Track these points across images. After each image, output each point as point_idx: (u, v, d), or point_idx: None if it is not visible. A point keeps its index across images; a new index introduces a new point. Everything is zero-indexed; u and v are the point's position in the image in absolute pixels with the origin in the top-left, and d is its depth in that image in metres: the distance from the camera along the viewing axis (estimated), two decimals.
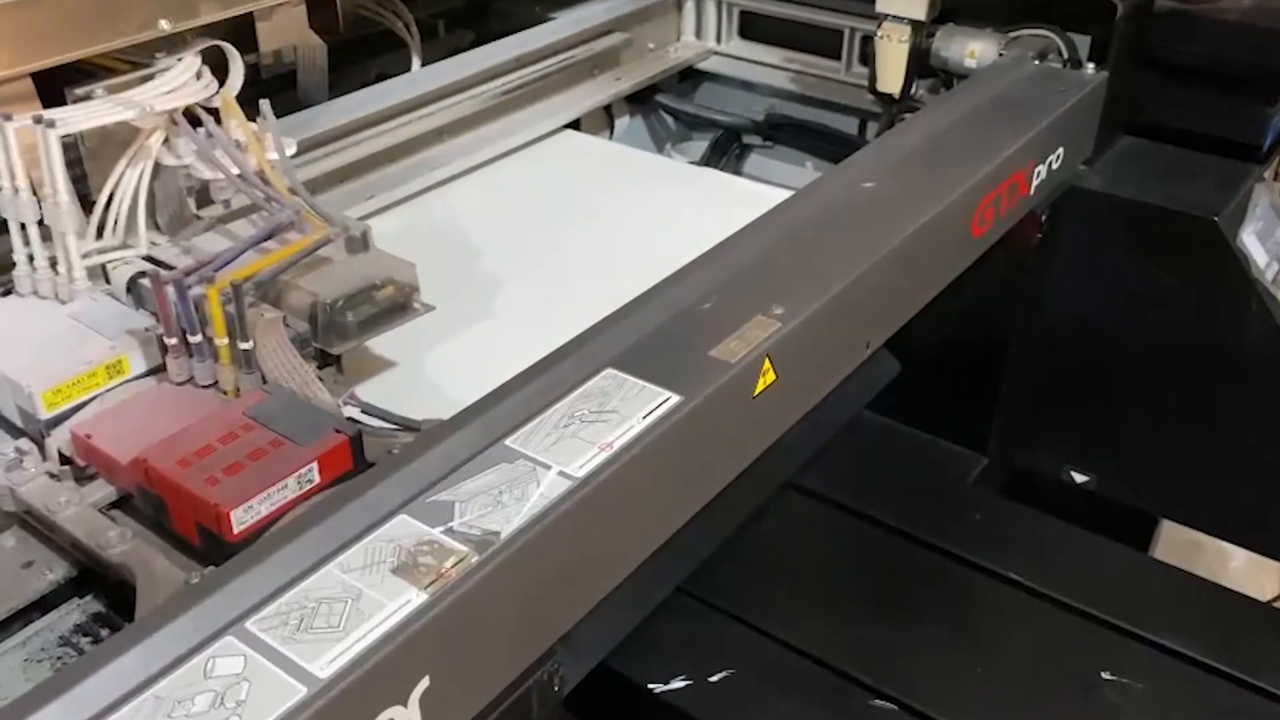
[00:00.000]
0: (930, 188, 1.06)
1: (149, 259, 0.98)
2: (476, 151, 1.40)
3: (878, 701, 1.02)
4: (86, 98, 0.97)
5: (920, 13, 1.39)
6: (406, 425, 0.85)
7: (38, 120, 0.89)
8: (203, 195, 1.06)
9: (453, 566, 0.64)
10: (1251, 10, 1.40)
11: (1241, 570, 1.86)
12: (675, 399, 0.78)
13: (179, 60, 1.02)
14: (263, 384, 0.84)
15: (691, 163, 1.76)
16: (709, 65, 1.72)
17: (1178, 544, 1.74)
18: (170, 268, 0.99)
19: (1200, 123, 1.42)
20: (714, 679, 1.03)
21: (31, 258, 0.95)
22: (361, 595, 0.62)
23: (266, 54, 1.35)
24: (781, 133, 1.72)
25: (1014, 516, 1.27)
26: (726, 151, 1.75)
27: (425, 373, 1.02)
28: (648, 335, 0.85)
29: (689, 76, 1.74)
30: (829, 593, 1.16)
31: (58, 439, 0.83)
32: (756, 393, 0.85)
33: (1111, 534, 1.51)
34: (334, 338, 0.89)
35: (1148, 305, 1.36)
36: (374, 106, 1.31)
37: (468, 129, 1.43)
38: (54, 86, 0.98)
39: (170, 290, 0.82)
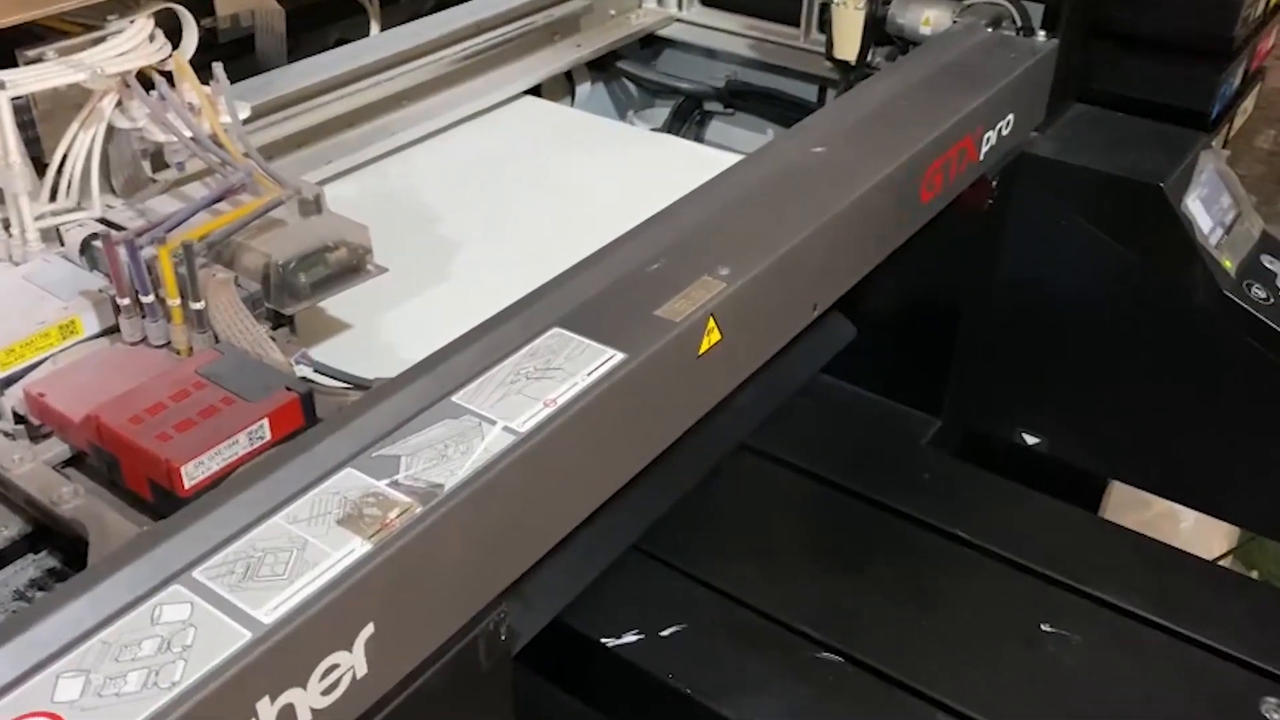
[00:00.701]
0: (879, 152, 1.08)
1: (103, 221, 0.98)
2: (435, 117, 1.41)
3: (825, 654, 1.04)
4: (37, 60, 0.97)
5: None
6: (357, 384, 0.86)
7: None
8: (157, 159, 1.07)
9: (396, 517, 0.66)
10: None
11: (1191, 531, 1.91)
12: (619, 356, 0.80)
13: (131, 22, 1.02)
14: (215, 344, 0.85)
15: (653, 129, 1.78)
16: (670, 32, 1.73)
17: (1126, 505, 1.78)
18: (124, 229, 1.00)
19: (1151, 91, 1.45)
20: (665, 634, 1.05)
21: None
22: (307, 545, 0.64)
23: (224, 18, 1.36)
24: (742, 100, 1.73)
25: (965, 477, 1.30)
26: (688, 118, 1.76)
27: (379, 334, 1.04)
28: (594, 296, 0.87)
29: (650, 43, 1.75)
30: (781, 551, 1.19)
31: (11, 398, 0.84)
32: (701, 351, 0.86)
33: (1062, 495, 1.55)
34: (286, 298, 0.90)
35: (1096, 269, 1.38)
36: (331, 72, 1.31)
37: (426, 94, 1.43)
38: (4, 48, 0.98)
39: (122, 250, 0.83)
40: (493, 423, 0.73)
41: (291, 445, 0.72)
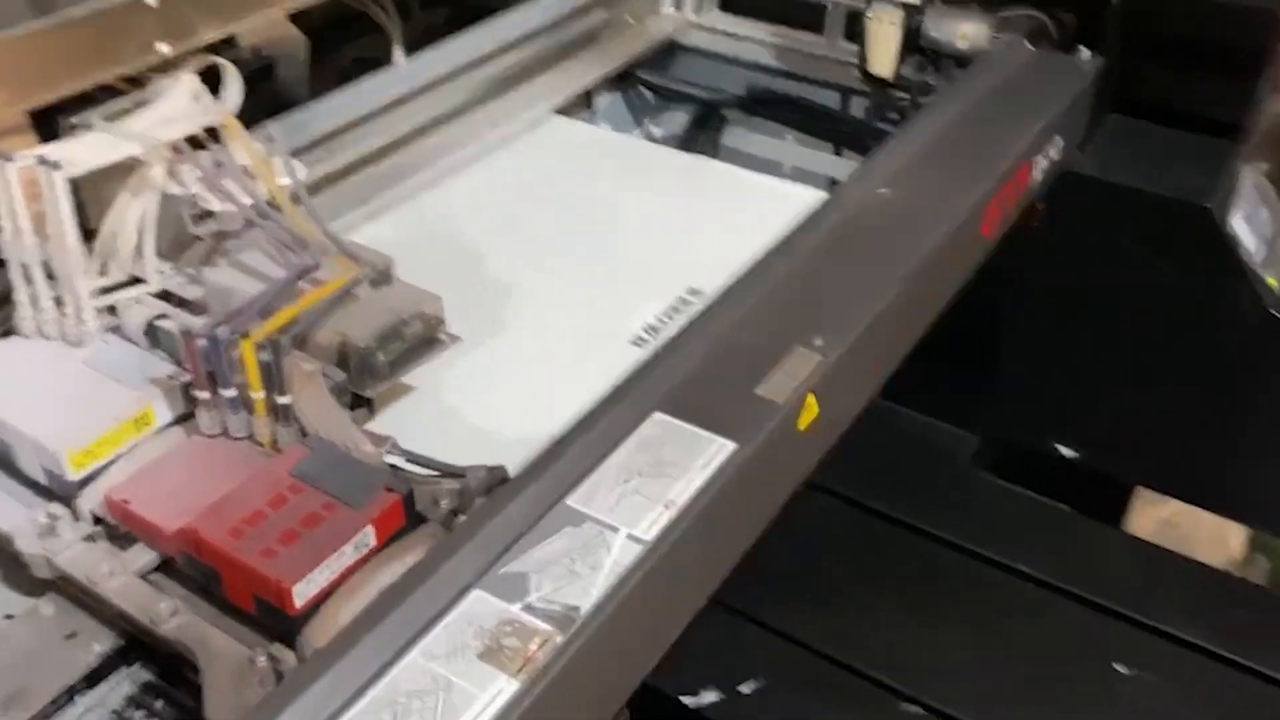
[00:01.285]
0: (945, 194, 1.06)
1: (162, 295, 0.94)
2: (465, 144, 1.36)
3: (906, 706, 1.04)
4: (83, 127, 0.92)
5: None
6: (451, 472, 0.83)
7: (42, 162, 0.84)
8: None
9: (538, 648, 0.64)
10: None
11: (1212, 528, 1.92)
12: (730, 446, 0.78)
13: (176, 80, 0.98)
14: (302, 437, 0.82)
15: (670, 136, 1.75)
16: (688, 38, 1.69)
17: (1149, 502, 1.79)
18: (182, 301, 0.96)
19: (1185, 101, 1.43)
20: (745, 689, 1.04)
21: (35, 298, 0.91)
22: (452, 686, 0.62)
23: (245, 48, 1.30)
24: (762, 107, 1.70)
25: (1022, 505, 1.30)
26: (706, 126, 1.73)
27: (444, 396, 1.00)
28: (691, 374, 0.84)
29: (668, 50, 1.71)
30: (844, 592, 1.18)
31: (89, 500, 0.81)
32: (802, 428, 0.85)
33: (1089, 499, 1.56)
34: (367, 379, 0.87)
35: (1139, 286, 1.38)
36: (363, 108, 1.26)
37: (454, 120, 1.39)
38: (46, 112, 0.93)
39: (202, 345, 0.79)
40: (615, 530, 0.71)
41: (416, 568, 0.69)
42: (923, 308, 1.03)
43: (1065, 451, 1.56)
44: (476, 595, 0.67)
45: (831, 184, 1.71)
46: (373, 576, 0.74)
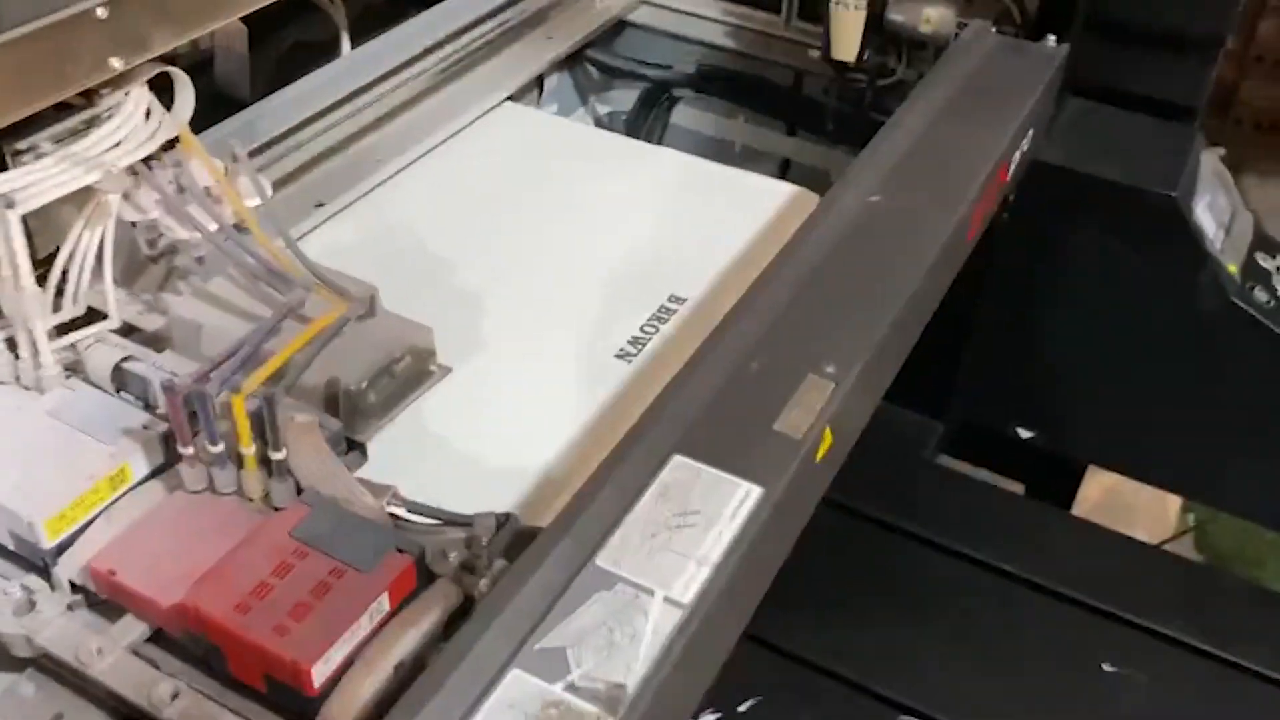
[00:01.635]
0: (936, 200, 1.04)
1: (123, 330, 0.87)
2: (418, 136, 1.29)
3: (904, 718, 1.03)
4: (30, 153, 0.84)
5: None
6: (457, 521, 0.79)
7: None
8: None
9: None
10: None
11: (1150, 501, 1.97)
12: (757, 491, 0.75)
13: (126, 94, 0.90)
14: (297, 492, 0.77)
15: (618, 114, 1.70)
16: (638, 16, 1.63)
17: (1094, 481, 1.83)
18: (142, 333, 0.90)
19: (1141, 83, 1.44)
20: (743, 709, 1.03)
21: None
22: None
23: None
24: (713, 86, 1.65)
25: (998, 501, 1.30)
26: (656, 104, 1.68)
27: (429, 421, 0.95)
28: (705, 410, 0.81)
29: (618, 28, 1.65)
30: (826, 596, 1.17)
31: (68, 568, 0.75)
32: (818, 459, 0.82)
33: (1042, 478, 1.58)
34: (360, 422, 0.82)
35: (1102, 273, 1.38)
36: (313, 106, 1.20)
37: (406, 110, 1.32)
38: None
39: (187, 401, 0.74)
40: (650, 593, 0.68)
41: (448, 649, 0.65)
42: (919, 317, 1.01)
43: (1023, 433, 1.57)
44: (515, 675, 0.63)
45: (784, 164, 1.69)
46: (390, 646, 0.69)
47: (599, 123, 1.73)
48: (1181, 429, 1.46)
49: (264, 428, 0.75)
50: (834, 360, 0.85)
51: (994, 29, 1.35)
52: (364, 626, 0.69)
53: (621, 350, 1.04)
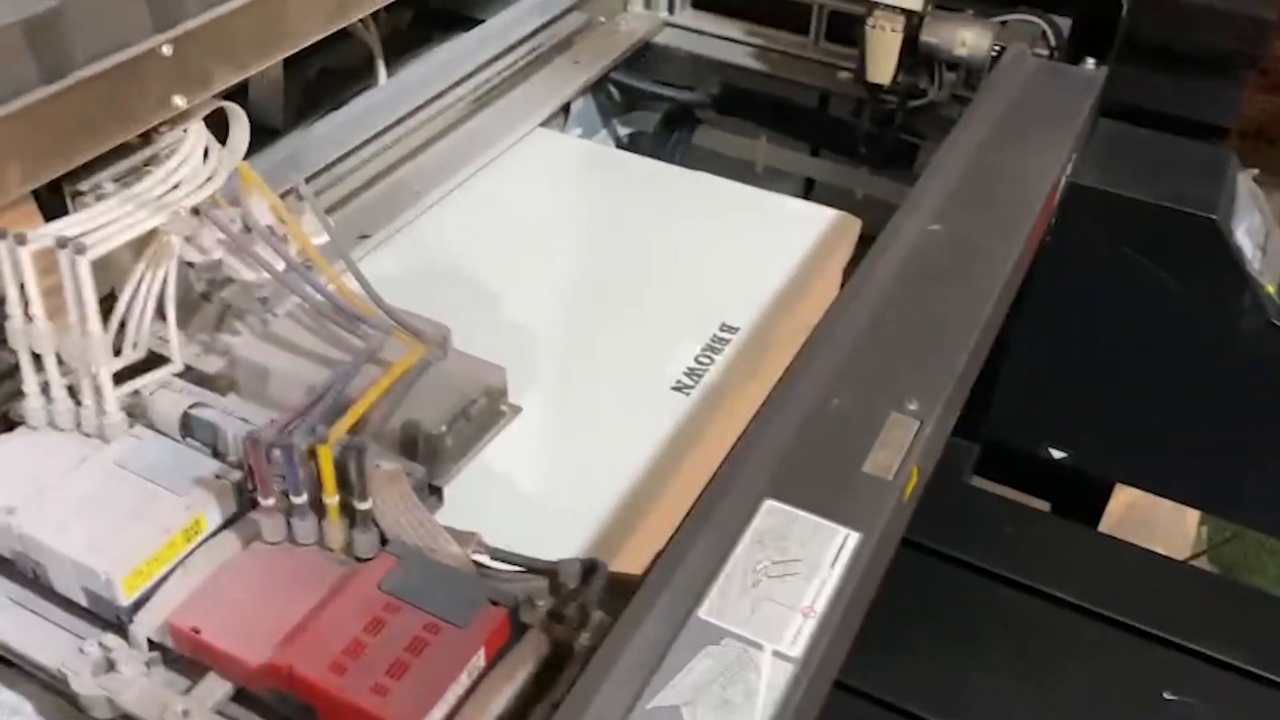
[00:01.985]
0: (996, 227, 1.04)
1: (185, 374, 0.85)
2: (455, 164, 1.28)
3: None
4: (93, 193, 0.82)
5: (917, 3, 1.34)
6: (542, 569, 0.77)
7: (63, 245, 0.74)
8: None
9: None
10: None
11: (1169, 518, 1.98)
12: (855, 536, 0.73)
13: (185, 131, 0.88)
14: (381, 542, 0.75)
15: (640, 135, 1.68)
16: (662, 38, 1.62)
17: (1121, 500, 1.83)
18: (202, 375, 0.87)
19: (1174, 104, 1.44)
20: None
21: (46, 387, 0.81)
22: None
23: None
24: (738, 106, 1.64)
25: (1043, 526, 1.29)
26: (679, 126, 1.67)
27: (490, 468, 0.92)
28: (791, 451, 0.80)
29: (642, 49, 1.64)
30: (876, 624, 1.15)
31: (146, 626, 0.72)
32: (906, 498, 0.81)
33: (1072, 498, 1.58)
34: (438, 466, 0.80)
35: (1140, 295, 1.38)
36: (356, 136, 1.17)
37: (440, 140, 1.30)
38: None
39: (275, 454, 0.71)
40: (759, 647, 0.67)
41: (563, 713, 0.63)
42: (986, 344, 1.00)
43: (1055, 453, 1.56)
44: None
45: (808, 184, 1.68)
46: (489, 703, 0.68)
47: (620, 144, 1.71)
48: (1215, 448, 1.46)
49: (349, 477, 0.73)
50: (916, 396, 0.84)
51: (1032, 54, 1.34)
52: (463, 683, 0.68)
53: (678, 382, 1.03)
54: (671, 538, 0.74)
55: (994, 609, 1.18)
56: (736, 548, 0.72)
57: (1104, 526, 1.80)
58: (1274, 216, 1.48)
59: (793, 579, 0.71)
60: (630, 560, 0.87)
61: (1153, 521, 1.96)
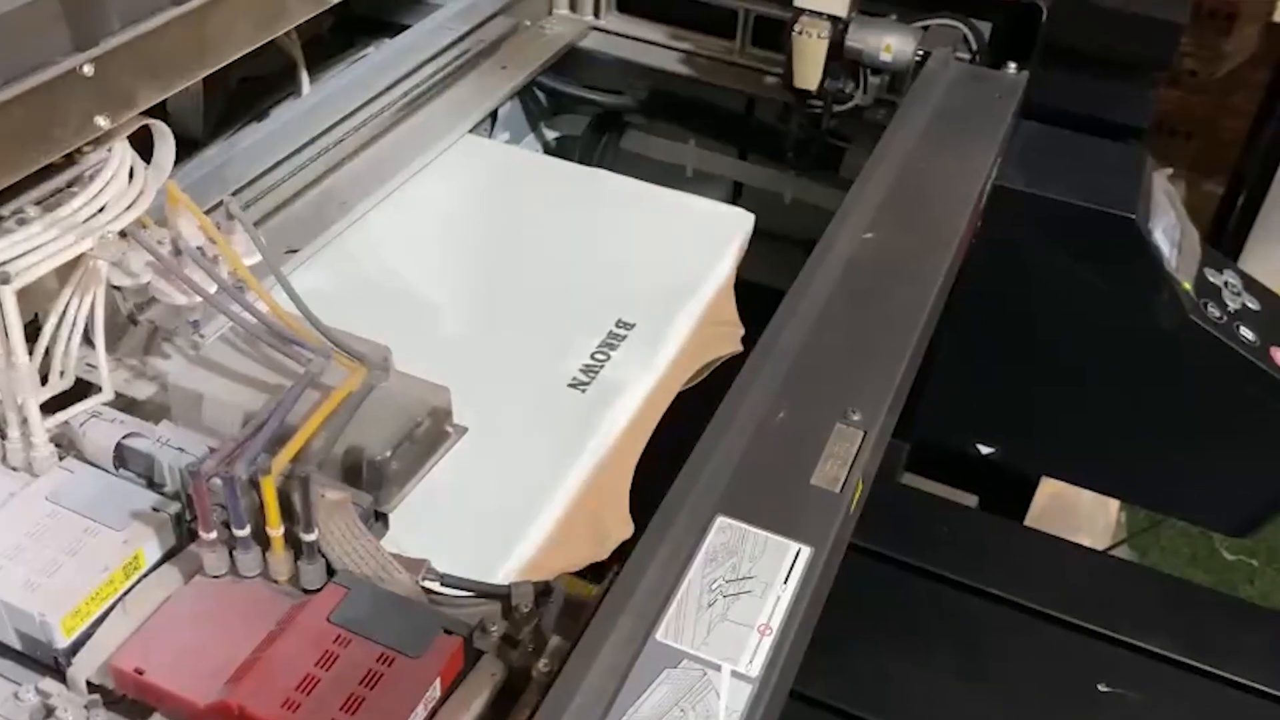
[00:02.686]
0: (930, 234, 1.05)
1: (116, 403, 0.82)
2: (382, 174, 1.25)
3: None
4: (15, 218, 0.79)
5: (842, 9, 1.35)
6: (492, 593, 0.76)
7: None
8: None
9: None
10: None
11: (1089, 507, 2.03)
12: (806, 551, 0.74)
13: (109, 150, 0.85)
14: (329, 574, 0.73)
15: (565, 138, 1.68)
16: (589, 42, 1.61)
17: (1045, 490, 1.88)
18: (131, 401, 0.85)
19: (1089, 105, 1.47)
20: None
21: None
22: None
23: None
24: (665, 110, 1.64)
25: (976, 523, 1.31)
26: (606, 130, 1.66)
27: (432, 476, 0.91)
28: (740, 467, 0.80)
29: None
30: (826, 630, 1.17)
31: (85, 668, 0.70)
32: (853, 510, 0.82)
33: (998, 491, 1.61)
34: (384, 492, 0.79)
35: (1063, 293, 1.41)
36: (281, 148, 1.15)
37: (366, 149, 1.28)
38: None
39: (216, 484, 0.70)
40: (718, 668, 0.67)
41: None
42: (922, 350, 1.01)
43: (983, 449, 1.59)
44: None
45: (736, 187, 1.69)
46: None
47: (548, 149, 1.71)
48: (1137, 441, 1.50)
49: (293, 507, 0.71)
50: (858, 406, 0.85)
51: (955, 58, 1.36)
52: (419, 715, 0.67)
53: (574, 379, 1.02)
54: (625, 556, 0.74)
55: (934, 608, 1.20)
56: (690, 567, 0.72)
57: (1030, 515, 1.85)
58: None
59: (747, 597, 0.71)
60: (545, 564, 0.86)
61: (1076, 508, 2.02)
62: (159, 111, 1.10)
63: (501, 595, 0.76)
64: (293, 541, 0.73)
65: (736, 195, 1.70)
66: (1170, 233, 1.42)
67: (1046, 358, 1.47)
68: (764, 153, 1.62)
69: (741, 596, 0.71)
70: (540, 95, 1.64)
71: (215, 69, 0.90)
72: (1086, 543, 1.87)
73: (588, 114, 1.65)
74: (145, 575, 0.74)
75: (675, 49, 1.59)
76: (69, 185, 0.83)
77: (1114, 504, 2.07)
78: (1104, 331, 1.42)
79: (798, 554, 0.74)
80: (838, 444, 0.82)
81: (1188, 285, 1.40)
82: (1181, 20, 1.40)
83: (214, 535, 0.72)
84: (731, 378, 0.89)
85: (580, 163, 1.58)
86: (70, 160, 0.83)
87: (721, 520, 0.76)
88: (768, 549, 0.74)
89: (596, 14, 1.62)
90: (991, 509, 1.78)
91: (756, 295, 1.23)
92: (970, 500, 1.81)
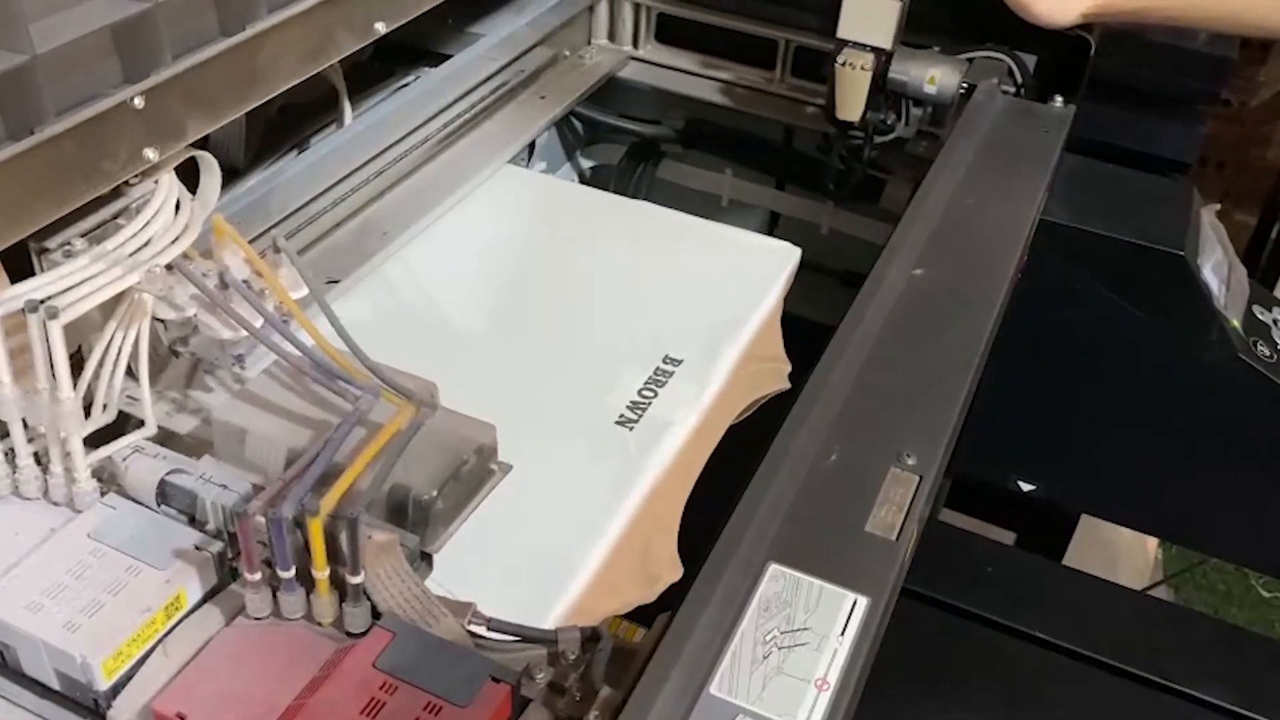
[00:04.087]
0: (980, 270, 1.04)
1: (159, 437, 0.81)
2: (423, 204, 1.25)
3: None
4: (62, 251, 0.79)
5: (886, 41, 1.34)
6: (539, 638, 0.75)
7: (33, 309, 0.70)
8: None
9: None
10: (1181, 33, 1.42)
11: (1128, 546, 2.00)
12: (864, 601, 0.72)
13: (155, 183, 0.84)
14: (374, 617, 0.72)
15: (601, 167, 1.67)
16: (628, 72, 1.61)
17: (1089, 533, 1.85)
18: (170, 434, 0.84)
19: (1136, 139, 1.45)
20: None
21: (12, 454, 0.77)
22: None
23: None
24: (702, 139, 1.63)
25: (1020, 564, 1.28)
26: (644, 159, 1.65)
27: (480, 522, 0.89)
28: (793, 512, 0.78)
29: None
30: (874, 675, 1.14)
31: (125, 711, 0.69)
32: (908, 557, 0.80)
33: (1037, 528, 1.58)
34: (429, 532, 0.77)
35: (1109, 330, 1.39)
36: (324, 178, 1.14)
37: (409, 178, 1.27)
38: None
39: (261, 524, 0.68)
40: None
41: None
42: (974, 389, 0.99)
43: (1024, 486, 1.57)
44: None
45: (773, 217, 1.68)
46: None
47: (583, 178, 1.70)
48: (1182, 480, 1.47)
49: (339, 549, 0.70)
50: (912, 449, 0.83)
51: (1002, 92, 1.35)
52: None
53: (621, 416, 1.01)
54: (674, 599, 0.72)
55: (977, 651, 1.17)
56: (743, 617, 0.71)
57: (1068, 553, 1.82)
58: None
59: (803, 649, 0.69)
60: (593, 607, 0.85)
61: (1116, 545, 1.98)
62: (202, 141, 1.10)
63: (548, 641, 0.74)
64: (337, 583, 0.72)
65: (773, 225, 1.68)
66: (1219, 269, 1.40)
67: (1091, 394, 1.44)
68: (802, 183, 1.61)
69: (797, 649, 0.69)
70: (577, 124, 1.64)
71: (263, 100, 0.89)
72: (1126, 582, 1.85)
73: (624, 143, 1.64)
74: (186, 615, 0.73)
75: (714, 79, 1.58)
76: (115, 217, 0.82)
77: (1152, 541, 2.04)
78: (1150, 369, 1.39)
79: (854, 604, 0.72)
80: (893, 489, 0.80)
81: (1236, 323, 1.37)
82: (1231, 55, 1.39)
83: (258, 576, 0.71)
84: (777, 414, 0.87)
85: (616, 192, 1.57)
86: (117, 192, 0.82)
87: (774, 568, 0.74)
88: (823, 599, 0.72)
89: (635, 44, 1.62)
90: (1030, 547, 1.76)
91: (794, 327, 1.21)
92: (1008, 537, 1.78)
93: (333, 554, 0.70)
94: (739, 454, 1.05)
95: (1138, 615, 1.23)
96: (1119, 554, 1.93)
